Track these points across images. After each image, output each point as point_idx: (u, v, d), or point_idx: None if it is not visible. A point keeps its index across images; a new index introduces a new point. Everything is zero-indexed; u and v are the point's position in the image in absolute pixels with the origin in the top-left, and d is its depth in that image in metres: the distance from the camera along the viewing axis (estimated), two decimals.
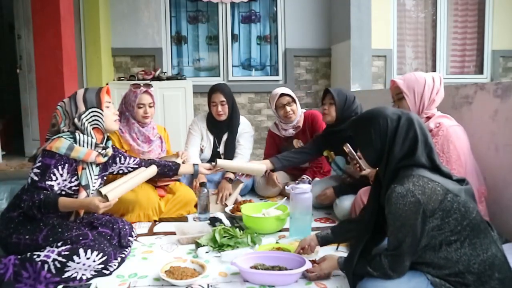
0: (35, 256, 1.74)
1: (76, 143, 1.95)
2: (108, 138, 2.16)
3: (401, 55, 5.66)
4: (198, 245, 2.15)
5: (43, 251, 1.77)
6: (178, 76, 4.92)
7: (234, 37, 5.42)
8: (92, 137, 2.00)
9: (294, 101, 3.12)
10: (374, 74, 5.25)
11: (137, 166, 2.38)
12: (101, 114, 2.02)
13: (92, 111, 2.01)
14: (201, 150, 3.26)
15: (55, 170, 1.88)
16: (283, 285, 1.74)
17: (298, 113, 3.14)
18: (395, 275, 1.45)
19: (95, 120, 2.02)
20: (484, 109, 2.28)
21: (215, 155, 3.27)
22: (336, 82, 5.18)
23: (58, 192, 1.92)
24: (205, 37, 5.43)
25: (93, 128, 2.02)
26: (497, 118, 2.18)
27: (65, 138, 1.93)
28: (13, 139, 4.63)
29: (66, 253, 1.76)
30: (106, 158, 2.11)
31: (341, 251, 2.04)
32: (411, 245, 1.42)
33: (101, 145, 2.06)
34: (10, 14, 4.75)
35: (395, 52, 5.56)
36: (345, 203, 2.55)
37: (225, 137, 3.25)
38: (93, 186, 2.07)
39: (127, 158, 2.36)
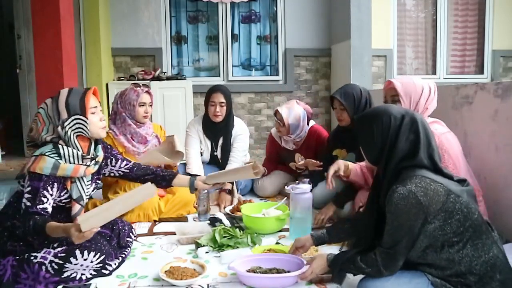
0: (32, 258, 1.73)
1: (61, 158, 1.81)
2: (97, 143, 2.02)
3: (401, 55, 5.66)
4: (198, 245, 2.15)
5: (39, 252, 1.76)
6: (178, 76, 4.93)
7: (234, 37, 5.41)
8: (77, 149, 1.86)
9: (284, 125, 2.97)
10: (374, 74, 5.25)
11: (127, 170, 2.22)
12: (86, 122, 1.86)
13: (75, 119, 1.84)
14: (200, 154, 3.24)
15: (44, 192, 1.76)
16: None
17: (290, 133, 3.03)
18: (386, 273, 1.45)
19: (79, 128, 1.86)
20: (484, 109, 2.28)
21: (213, 158, 3.26)
22: (336, 82, 5.17)
23: (54, 205, 1.84)
24: (205, 37, 5.42)
25: (77, 136, 1.87)
26: (497, 118, 2.18)
27: (48, 155, 1.79)
28: (13, 139, 4.63)
29: (62, 254, 1.74)
30: (96, 167, 1.97)
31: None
32: (406, 245, 1.42)
33: (88, 157, 1.91)
34: (10, 14, 4.74)
35: (395, 52, 5.56)
36: (345, 206, 2.55)
37: (221, 141, 3.22)
38: (87, 195, 1.97)
39: (119, 160, 2.20)
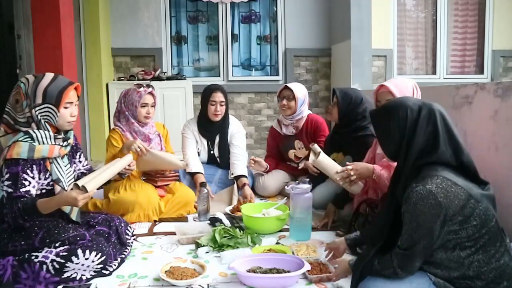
0: (33, 257, 1.74)
1: (34, 141, 1.84)
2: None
3: (401, 55, 5.66)
4: (198, 245, 2.15)
5: (41, 252, 1.76)
6: (178, 76, 4.93)
7: (234, 37, 5.41)
8: (48, 130, 1.89)
9: (294, 98, 3.09)
10: (374, 74, 5.25)
11: (87, 172, 2.20)
12: (56, 113, 1.88)
13: (46, 107, 1.87)
14: (197, 154, 3.24)
15: (24, 175, 1.79)
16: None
17: (296, 111, 3.11)
18: (403, 274, 1.41)
19: (47, 116, 1.89)
20: (484, 109, 2.27)
21: (210, 158, 3.27)
22: (336, 82, 5.18)
23: (38, 192, 1.86)
24: (205, 37, 5.42)
25: (45, 122, 1.90)
26: (497, 118, 2.18)
27: (21, 141, 1.82)
28: None
29: (65, 253, 1.75)
30: (69, 148, 2.01)
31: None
32: (425, 247, 1.37)
33: (60, 137, 1.94)
34: (10, 14, 4.74)
35: (395, 52, 5.55)
36: (345, 207, 2.54)
37: (217, 139, 3.23)
38: (68, 177, 1.99)
39: (83, 160, 2.22)
